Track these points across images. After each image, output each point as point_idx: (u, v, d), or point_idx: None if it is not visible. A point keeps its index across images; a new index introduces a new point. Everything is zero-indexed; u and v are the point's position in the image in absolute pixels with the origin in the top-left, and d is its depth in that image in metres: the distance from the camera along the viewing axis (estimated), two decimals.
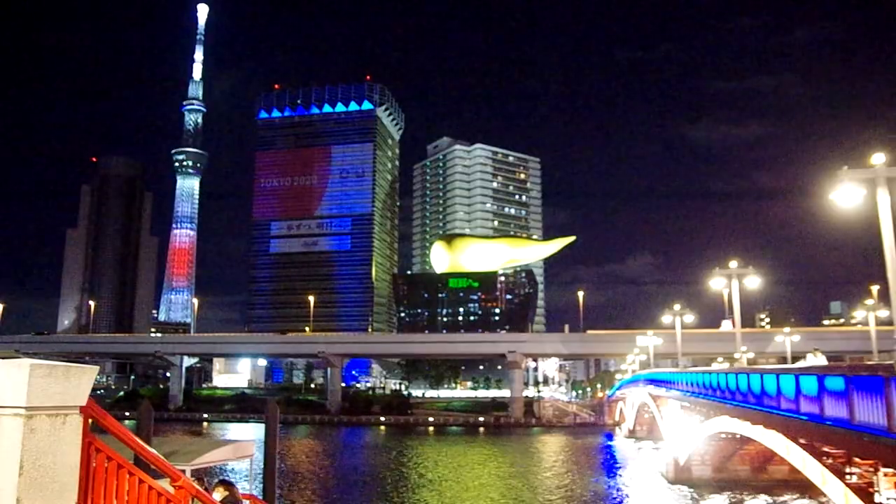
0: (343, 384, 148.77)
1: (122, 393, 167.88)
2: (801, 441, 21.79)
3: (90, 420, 5.96)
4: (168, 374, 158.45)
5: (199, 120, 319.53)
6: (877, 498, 16.76)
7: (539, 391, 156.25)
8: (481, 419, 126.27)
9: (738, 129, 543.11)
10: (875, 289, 72.25)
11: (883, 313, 56.84)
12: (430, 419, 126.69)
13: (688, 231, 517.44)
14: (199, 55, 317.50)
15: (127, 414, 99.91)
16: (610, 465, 66.11)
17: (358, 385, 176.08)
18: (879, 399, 14.28)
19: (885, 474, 16.29)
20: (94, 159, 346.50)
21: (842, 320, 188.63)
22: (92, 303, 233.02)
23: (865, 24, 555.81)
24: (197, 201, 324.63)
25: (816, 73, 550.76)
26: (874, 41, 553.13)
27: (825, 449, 20.04)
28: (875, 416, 14.54)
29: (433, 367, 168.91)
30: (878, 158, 18.72)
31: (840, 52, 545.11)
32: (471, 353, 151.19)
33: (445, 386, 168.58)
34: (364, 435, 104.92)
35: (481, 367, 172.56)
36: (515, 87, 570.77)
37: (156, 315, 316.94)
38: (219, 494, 11.64)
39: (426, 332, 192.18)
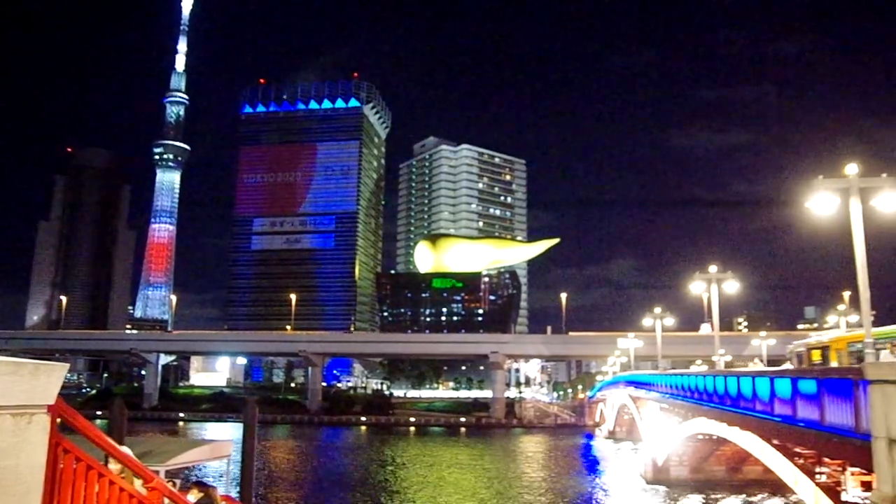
0: (324, 384, 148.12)
1: (93, 391, 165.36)
2: (775, 442, 22.11)
3: (59, 420, 5.85)
4: (143, 373, 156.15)
5: (182, 112, 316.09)
6: (844, 496, 17.09)
7: (521, 392, 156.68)
8: (463, 419, 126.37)
9: (719, 136, 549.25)
10: (847, 295, 73.39)
11: (854, 318, 57.68)
12: (412, 419, 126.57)
13: (669, 235, 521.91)
14: (182, 46, 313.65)
15: (99, 413, 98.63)
16: (590, 466, 66.51)
17: (339, 385, 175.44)
18: (848, 401, 14.56)
19: (853, 473, 16.62)
20: (69, 149, 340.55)
21: (815, 325, 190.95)
22: (63, 298, 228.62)
23: (843, 39, 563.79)
24: (177, 195, 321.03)
25: (796, 84, 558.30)
26: (851, 55, 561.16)
27: (797, 449, 20.38)
28: (844, 418, 14.83)
29: (415, 367, 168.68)
30: (852, 169, 19.07)
31: (819, 65, 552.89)
32: (453, 354, 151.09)
33: (427, 386, 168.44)
34: (344, 435, 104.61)
35: (463, 368, 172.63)
36: (503, 89, 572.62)
37: (132, 311, 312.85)
38: (193, 497, 11.61)
39: (409, 331, 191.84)
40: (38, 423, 5.32)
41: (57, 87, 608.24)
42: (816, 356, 30.44)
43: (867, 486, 15.88)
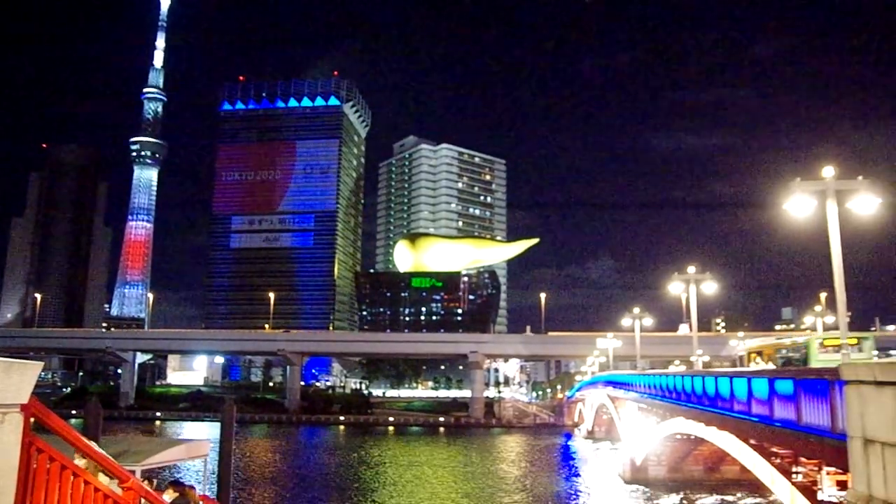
0: (302, 383, 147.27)
1: (68, 390, 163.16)
2: (752, 442, 22.31)
3: (32, 419, 5.75)
4: (119, 371, 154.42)
5: (160, 109, 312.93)
6: (820, 496, 17.28)
7: (500, 392, 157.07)
8: (441, 419, 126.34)
9: (698, 139, 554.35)
10: (823, 296, 74.51)
11: (830, 319, 58.54)
12: (391, 419, 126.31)
13: (648, 236, 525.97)
14: (160, 42, 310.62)
15: (74, 412, 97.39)
16: (568, 466, 66.81)
17: (318, 384, 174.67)
18: (824, 401, 14.71)
19: (828, 473, 16.81)
20: (44, 145, 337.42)
21: (792, 325, 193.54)
22: (38, 295, 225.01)
23: (819, 44, 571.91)
24: (155, 193, 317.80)
25: (774, 88, 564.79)
26: (827, 59, 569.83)
27: (774, 449, 20.58)
28: (820, 418, 14.98)
29: (394, 366, 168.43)
30: (828, 172, 19.32)
31: (796, 68, 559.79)
32: (433, 353, 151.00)
33: (406, 385, 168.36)
34: (323, 434, 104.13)
35: (442, 367, 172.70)
36: (483, 89, 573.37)
37: (108, 310, 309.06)
38: (168, 496, 11.46)
39: (388, 331, 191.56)
40: (11, 423, 5.22)
41: (33, 82, 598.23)
42: (754, 358, 36.78)
43: (843, 486, 16.09)
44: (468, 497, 46.20)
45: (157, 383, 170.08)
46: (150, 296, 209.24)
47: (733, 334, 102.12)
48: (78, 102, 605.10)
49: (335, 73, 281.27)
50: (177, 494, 11.68)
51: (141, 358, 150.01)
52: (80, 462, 7.40)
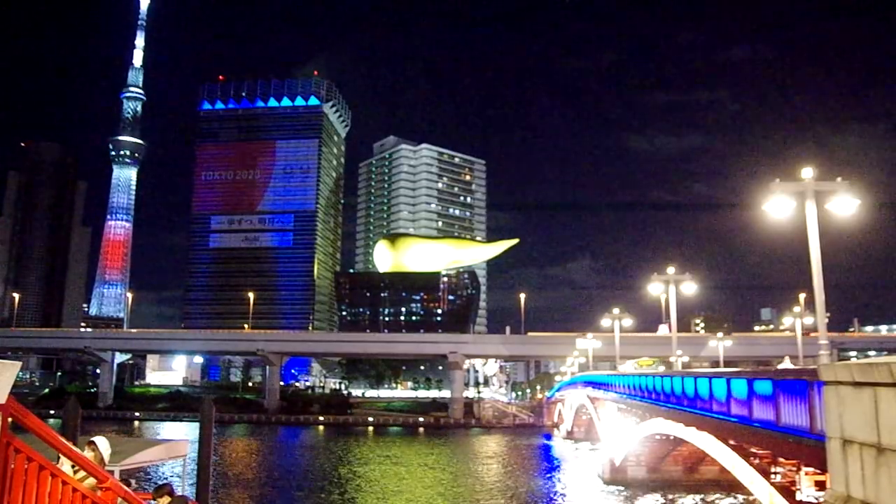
0: (282, 383, 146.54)
1: (47, 390, 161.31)
2: (731, 442, 22.49)
3: (10, 419, 5.66)
4: (98, 371, 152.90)
5: (139, 108, 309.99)
6: (798, 496, 17.44)
7: (479, 392, 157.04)
8: (421, 419, 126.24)
9: (677, 140, 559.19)
10: (802, 297, 75.47)
11: (809, 320, 59.26)
12: (370, 419, 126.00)
13: (628, 237, 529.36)
14: (140, 41, 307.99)
15: (52, 412, 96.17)
16: (548, 466, 66.98)
17: (297, 384, 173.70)
18: (803, 402, 14.85)
19: (807, 473, 16.97)
20: (23, 144, 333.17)
21: (771, 326, 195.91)
22: (16, 295, 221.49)
23: (796, 46, 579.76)
24: (134, 192, 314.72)
25: (751, 89, 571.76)
26: (803, 62, 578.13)
27: (753, 450, 20.76)
28: (799, 419, 15.11)
29: (373, 366, 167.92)
30: (807, 173, 19.51)
31: (773, 71, 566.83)
32: (412, 354, 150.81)
33: (386, 386, 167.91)
34: (302, 435, 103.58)
35: (422, 368, 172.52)
36: (463, 90, 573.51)
37: (87, 309, 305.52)
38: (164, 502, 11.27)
39: (368, 331, 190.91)
40: None
41: (10, 80, 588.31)
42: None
43: (821, 486, 16.26)
44: (448, 497, 46.15)
45: (136, 383, 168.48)
46: (129, 295, 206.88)
47: (712, 335, 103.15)
48: (57, 101, 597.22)
49: (315, 72, 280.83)
50: (170, 499, 11.43)
51: (120, 358, 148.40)
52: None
